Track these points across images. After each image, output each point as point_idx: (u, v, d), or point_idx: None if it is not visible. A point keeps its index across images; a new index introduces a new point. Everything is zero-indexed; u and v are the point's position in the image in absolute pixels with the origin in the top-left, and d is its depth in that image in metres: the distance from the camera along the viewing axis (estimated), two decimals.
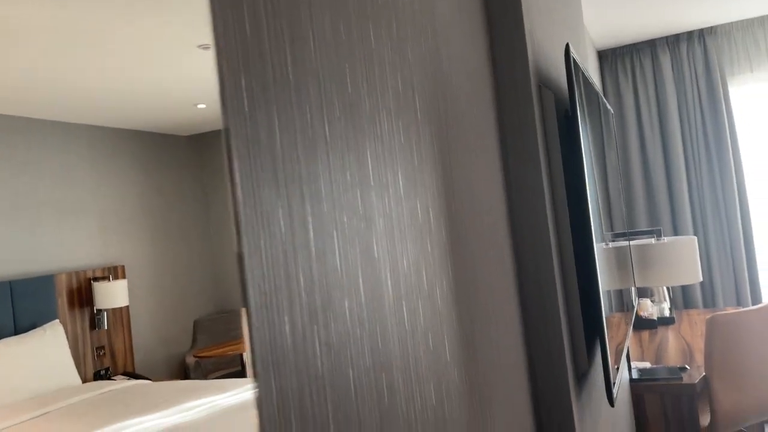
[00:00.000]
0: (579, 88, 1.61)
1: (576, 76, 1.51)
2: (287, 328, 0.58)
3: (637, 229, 3.56)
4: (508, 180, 1.48)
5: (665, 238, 3.51)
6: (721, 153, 4.10)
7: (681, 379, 2.92)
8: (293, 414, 0.56)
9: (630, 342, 3.60)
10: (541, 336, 1.45)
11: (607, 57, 4.37)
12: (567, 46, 1.41)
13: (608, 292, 1.98)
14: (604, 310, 1.63)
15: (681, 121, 4.23)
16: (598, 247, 1.69)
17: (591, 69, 3.69)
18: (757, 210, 4.10)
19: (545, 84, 1.68)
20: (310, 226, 0.64)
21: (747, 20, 4.09)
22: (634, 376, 3.02)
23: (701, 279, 3.54)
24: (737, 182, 4.09)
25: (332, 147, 0.71)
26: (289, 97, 0.62)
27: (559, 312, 1.44)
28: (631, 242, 3.31)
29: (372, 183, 0.80)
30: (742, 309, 2.78)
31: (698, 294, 4.16)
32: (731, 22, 4.13)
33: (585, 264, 1.69)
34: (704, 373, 2.78)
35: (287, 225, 0.60)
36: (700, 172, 4.16)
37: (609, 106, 3.22)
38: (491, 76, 1.48)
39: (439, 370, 0.94)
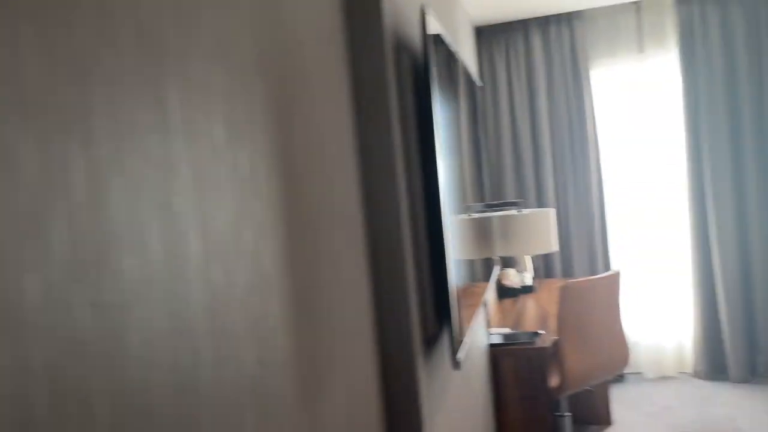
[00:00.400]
0: (434, 52, 1.59)
1: (427, 40, 1.49)
2: (36, 285, 0.49)
3: (502, 201, 3.70)
4: (360, 143, 1.44)
5: (526, 210, 3.67)
6: (583, 132, 4.34)
7: (534, 343, 3.08)
8: (41, 383, 0.48)
9: (492, 309, 3.75)
10: (391, 302, 1.44)
11: (483, 33, 4.46)
12: (422, 8, 1.38)
13: (469, 261, 2.02)
14: (454, 277, 1.65)
15: (548, 99, 4.43)
16: (450, 217, 1.70)
17: (467, 43, 3.74)
18: (610, 186, 4.39)
19: (405, 48, 1.65)
20: (77, 168, 0.55)
21: (610, 6, 4.33)
22: (494, 341, 3.15)
23: (557, 249, 3.74)
24: (595, 160, 4.35)
25: (117, 80, 0.61)
26: (47, 10, 0.52)
27: (408, 278, 1.43)
28: (496, 214, 3.42)
29: (177, 128, 0.72)
30: (591, 277, 2.97)
31: (558, 264, 4.42)
32: (596, 8, 4.34)
33: (437, 233, 1.69)
34: (556, 337, 2.95)
35: (40, 164, 0.51)
36: (563, 148, 4.39)
37: (477, 79, 3.28)
38: (346, 35, 1.42)
39: (260, 337, 0.88)
